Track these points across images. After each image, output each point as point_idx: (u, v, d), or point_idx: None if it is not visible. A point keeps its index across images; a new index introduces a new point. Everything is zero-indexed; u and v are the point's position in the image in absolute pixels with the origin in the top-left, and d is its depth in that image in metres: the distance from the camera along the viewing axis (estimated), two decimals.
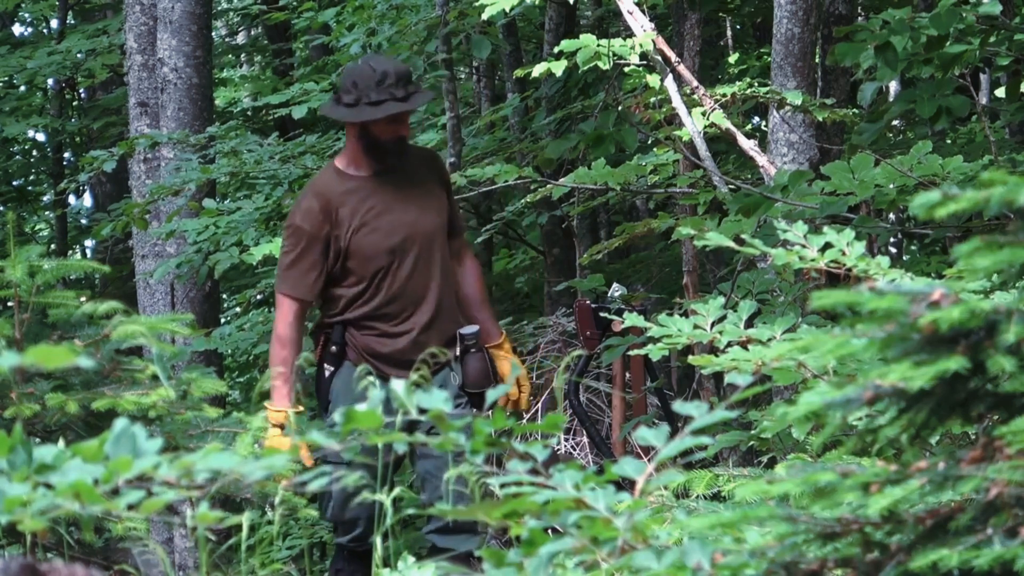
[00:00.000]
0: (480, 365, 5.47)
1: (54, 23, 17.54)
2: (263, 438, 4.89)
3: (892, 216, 9.87)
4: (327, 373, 5.47)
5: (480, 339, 5.47)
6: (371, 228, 5.37)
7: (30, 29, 18.44)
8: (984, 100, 10.54)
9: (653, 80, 7.50)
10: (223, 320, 12.61)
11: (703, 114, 7.20)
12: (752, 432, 4.47)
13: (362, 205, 5.36)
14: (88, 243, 18.93)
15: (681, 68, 7.29)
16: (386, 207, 5.38)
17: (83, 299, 4.66)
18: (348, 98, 5.30)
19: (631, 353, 6.35)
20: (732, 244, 3.87)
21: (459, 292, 5.56)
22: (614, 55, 6.90)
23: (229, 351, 10.81)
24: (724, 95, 7.25)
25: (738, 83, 7.52)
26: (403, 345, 5.38)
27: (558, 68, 6.97)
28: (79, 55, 14.07)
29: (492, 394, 2.33)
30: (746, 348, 3.88)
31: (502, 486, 2.27)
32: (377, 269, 5.38)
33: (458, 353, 5.48)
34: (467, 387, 5.47)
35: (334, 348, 5.46)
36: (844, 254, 3.71)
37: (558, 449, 8.24)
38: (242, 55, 18.53)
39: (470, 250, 5.78)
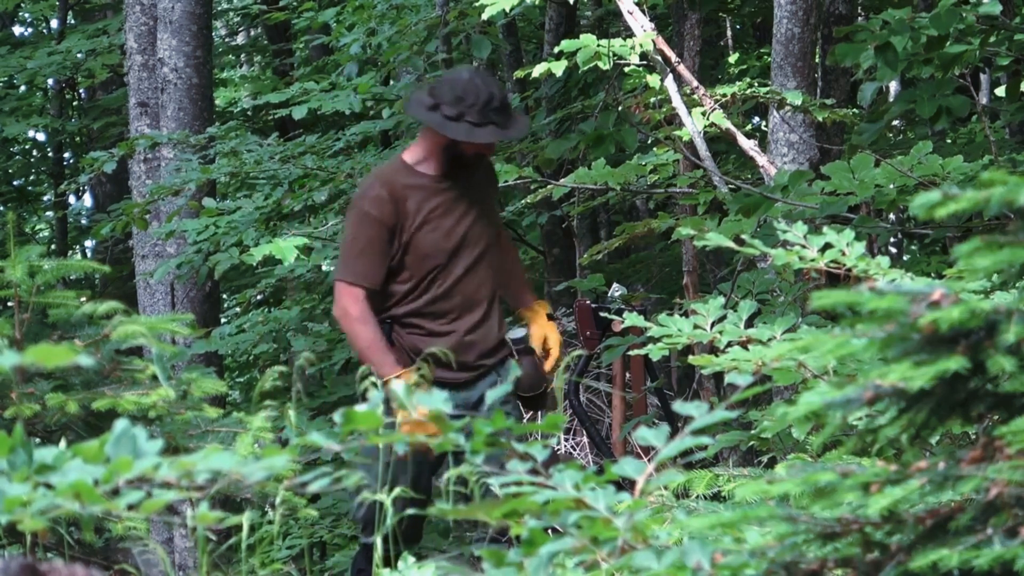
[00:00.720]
0: (530, 369, 5.48)
1: (54, 23, 17.55)
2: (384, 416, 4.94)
3: (892, 216, 9.87)
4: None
5: (528, 342, 5.49)
6: (432, 227, 5.39)
7: (30, 29, 18.44)
8: (984, 100, 10.53)
9: (653, 80, 7.50)
10: (223, 320, 12.61)
11: (703, 114, 7.20)
12: (752, 432, 4.47)
13: (427, 203, 5.39)
14: (88, 243, 18.93)
15: (681, 68, 7.29)
16: (448, 209, 5.41)
17: (83, 299, 4.66)
18: (449, 111, 5.30)
19: (631, 353, 6.35)
20: (732, 244, 3.87)
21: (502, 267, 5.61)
22: (614, 55, 6.90)
23: (229, 351, 10.81)
24: (724, 95, 7.25)
25: (738, 83, 7.53)
26: (447, 345, 5.38)
27: (558, 68, 6.97)
28: (79, 55, 14.08)
29: (491, 395, 2.33)
30: (746, 348, 3.88)
31: (502, 486, 2.27)
32: (431, 268, 5.39)
33: (508, 357, 5.52)
34: (518, 391, 5.48)
35: None
36: (844, 254, 3.71)
37: (558, 449, 8.24)
38: (242, 55, 18.54)
39: (506, 233, 5.83)
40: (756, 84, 7.48)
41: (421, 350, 5.38)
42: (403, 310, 5.43)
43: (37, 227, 19.48)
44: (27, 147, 18.34)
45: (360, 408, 2.20)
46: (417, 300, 5.42)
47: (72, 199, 18.08)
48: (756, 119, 12.11)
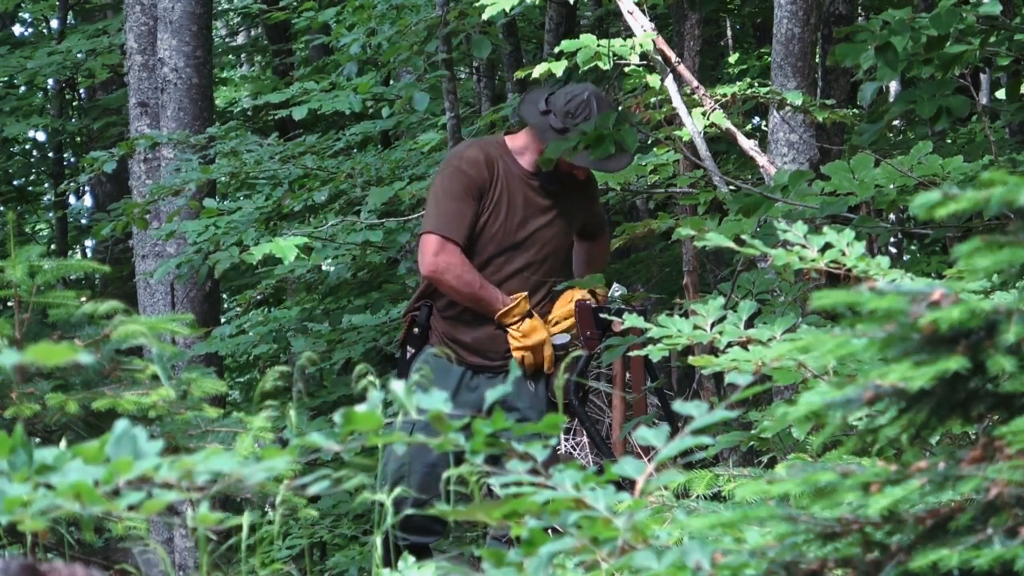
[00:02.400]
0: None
1: (54, 23, 17.54)
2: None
3: (892, 216, 9.87)
4: (408, 355, 5.46)
5: (567, 347, 5.51)
6: (504, 216, 5.40)
7: (30, 29, 18.44)
8: (984, 100, 10.54)
9: (653, 80, 7.50)
10: (223, 320, 12.61)
11: (703, 114, 7.20)
12: (752, 432, 4.47)
13: (508, 190, 5.40)
14: (88, 243, 18.92)
15: (681, 68, 7.29)
16: (526, 206, 5.42)
17: (83, 299, 4.66)
18: (556, 122, 5.34)
19: (631, 353, 6.35)
20: (732, 244, 3.87)
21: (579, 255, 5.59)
22: (614, 55, 6.90)
23: (229, 352, 10.82)
24: (724, 95, 7.25)
25: (738, 83, 7.52)
26: (481, 336, 5.40)
27: (558, 68, 6.97)
28: (79, 55, 14.08)
29: (491, 395, 2.32)
30: (746, 348, 3.88)
31: (502, 486, 2.27)
32: (488, 257, 5.40)
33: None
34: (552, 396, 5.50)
35: (417, 330, 5.46)
36: (844, 254, 3.71)
37: (558, 449, 8.24)
38: (242, 55, 18.53)
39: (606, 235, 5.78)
40: (756, 84, 7.48)
41: (455, 336, 5.39)
42: (444, 298, 5.42)
43: (37, 227, 19.48)
44: (27, 147, 18.33)
45: (360, 408, 2.20)
46: None
47: (72, 199, 18.08)
48: (756, 119, 12.11)
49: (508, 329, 5.31)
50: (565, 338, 5.51)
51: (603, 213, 5.92)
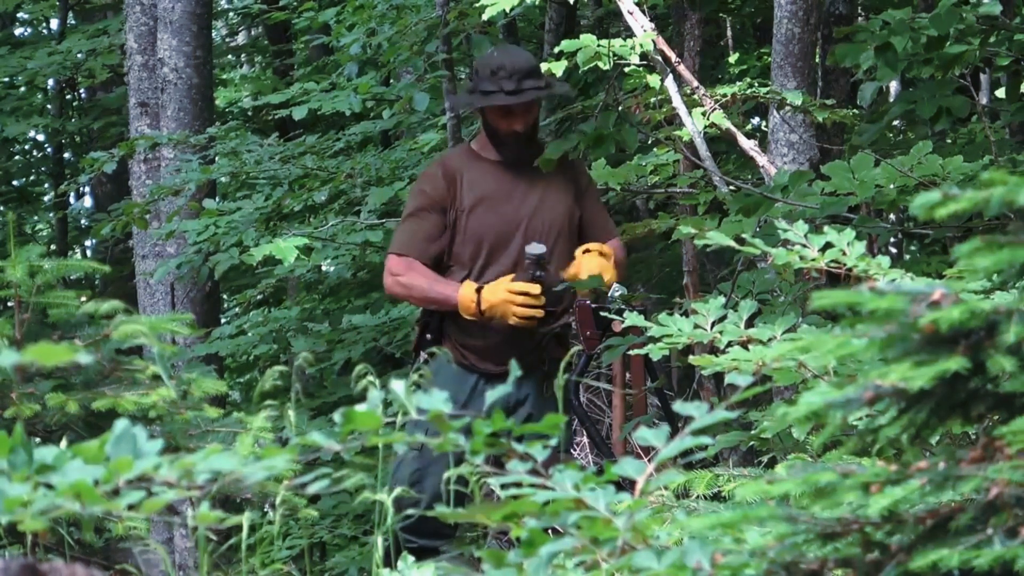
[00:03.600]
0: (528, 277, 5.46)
1: (54, 23, 17.54)
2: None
3: (892, 216, 9.87)
4: (421, 360, 5.47)
5: (542, 258, 5.44)
6: (486, 209, 5.41)
7: (30, 29, 18.44)
8: (984, 100, 10.53)
9: (653, 80, 7.49)
10: (223, 320, 12.61)
11: (703, 114, 7.19)
12: (752, 432, 4.47)
13: (483, 186, 5.42)
14: (88, 243, 18.93)
15: (681, 68, 7.29)
16: (506, 195, 5.43)
17: (83, 299, 4.66)
18: (470, 85, 5.47)
19: (631, 353, 6.35)
20: (732, 244, 3.87)
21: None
22: (614, 55, 6.89)
23: (229, 352, 10.82)
24: (724, 95, 7.25)
25: (738, 83, 7.52)
26: (492, 341, 5.39)
27: (558, 68, 6.97)
28: (79, 55, 14.08)
29: (491, 396, 2.32)
30: (746, 348, 3.88)
31: (503, 487, 2.27)
32: (484, 254, 5.40)
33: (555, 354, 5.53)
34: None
35: (429, 336, 5.47)
36: (844, 254, 3.71)
37: (559, 449, 8.24)
38: (242, 55, 18.53)
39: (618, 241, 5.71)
40: (756, 84, 7.48)
41: (467, 342, 5.38)
42: None
43: (37, 227, 19.48)
44: (27, 147, 18.34)
45: (360, 408, 2.20)
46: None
47: (72, 199, 18.08)
48: (756, 119, 12.11)
49: (482, 314, 5.30)
50: (540, 248, 5.44)
51: (606, 213, 5.88)
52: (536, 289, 5.33)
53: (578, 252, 5.50)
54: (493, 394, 2.32)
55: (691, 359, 4.15)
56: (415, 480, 5.29)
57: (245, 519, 3.14)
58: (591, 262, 5.44)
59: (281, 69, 15.16)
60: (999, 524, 2.17)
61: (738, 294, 5.40)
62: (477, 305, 5.29)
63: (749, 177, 8.30)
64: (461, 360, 5.33)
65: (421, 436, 2.28)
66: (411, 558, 3.33)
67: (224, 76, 17.91)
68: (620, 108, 7.13)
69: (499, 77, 5.37)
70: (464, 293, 5.29)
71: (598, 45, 6.89)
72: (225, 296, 15.06)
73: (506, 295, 5.30)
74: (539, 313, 5.35)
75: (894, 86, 11.97)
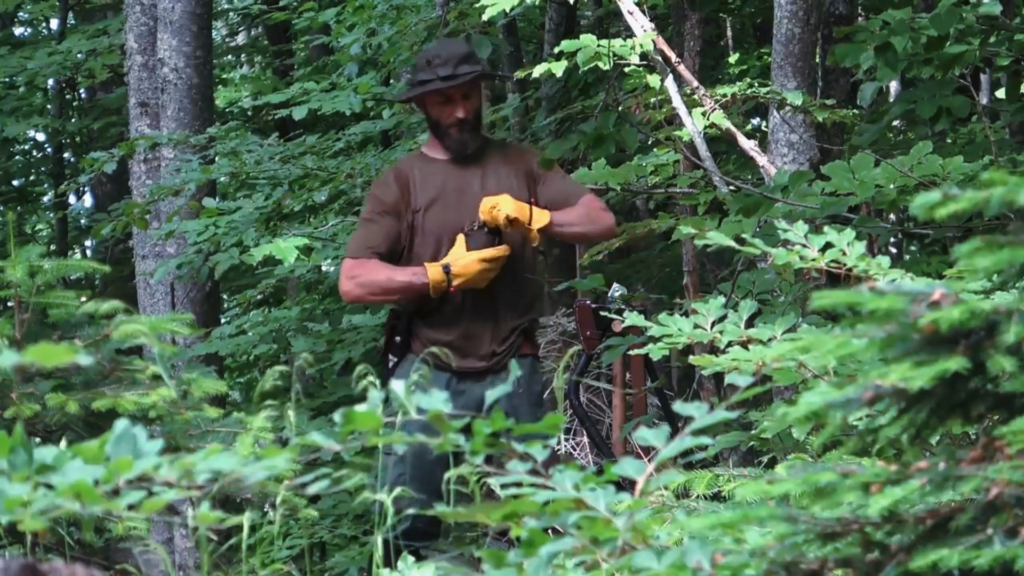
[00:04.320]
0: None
1: (54, 23, 17.55)
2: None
3: (892, 216, 9.87)
4: (390, 364, 5.48)
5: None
6: (441, 208, 5.44)
7: (30, 29, 18.44)
8: (984, 100, 10.53)
9: (653, 80, 7.50)
10: (223, 320, 12.61)
11: (703, 114, 7.19)
12: (752, 432, 4.47)
13: (435, 185, 5.45)
14: (88, 243, 18.93)
15: (681, 68, 7.29)
16: (458, 191, 5.45)
17: (83, 299, 4.65)
18: (411, 79, 5.52)
19: (631, 353, 6.35)
20: (732, 244, 3.87)
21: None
22: (614, 55, 6.89)
23: (229, 352, 10.82)
24: (724, 95, 7.25)
25: (738, 83, 7.52)
26: (462, 334, 5.40)
27: (558, 68, 6.97)
28: (79, 55, 14.08)
29: (491, 395, 2.32)
30: (746, 348, 3.88)
31: (503, 487, 2.27)
32: (444, 251, 5.41)
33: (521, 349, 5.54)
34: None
35: (399, 338, 5.47)
36: (844, 254, 3.71)
37: (558, 449, 8.24)
38: (242, 55, 18.53)
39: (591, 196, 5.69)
40: (756, 84, 7.48)
41: (438, 339, 5.38)
42: (417, 301, 5.43)
43: (37, 227, 19.49)
44: (27, 147, 18.34)
45: (360, 408, 2.20)
46: None
47: (72, 199, 18.09)
48: (756, 119, 12.11)
49: (453, 288, 5.32)
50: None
51: (572, 183, 5.86)
52: (506, 250, 5.37)
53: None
54: (493, 394, 2.32)
55: (691, 359, 4.15)
56: (397, 485, 5.28)
57: (245, 519, 3.14)
58: (498, 198, 5.41)
59: (281, 69, 15.16)
60: (999, 524, 2.17)
61: (738, 294, 5.40)
62: (447, 280, 5.32)
63: (749, 177, 8.30)
64: (434, 359, 5.32)
65: (409, 437, 2.28)
66: (411, 558, 3.33)
67: (224, 76, 17.92)
68: (620, 108, 7.13)
69: (434, 66, 5.41)
70: (433, 271, 5.32)
71: (598, 45, 6.89)
72: (225, 296, 15.06)
73: (480, 264, 5.33)
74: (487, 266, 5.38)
75: (894, 86, 11.97)
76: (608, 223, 5.59)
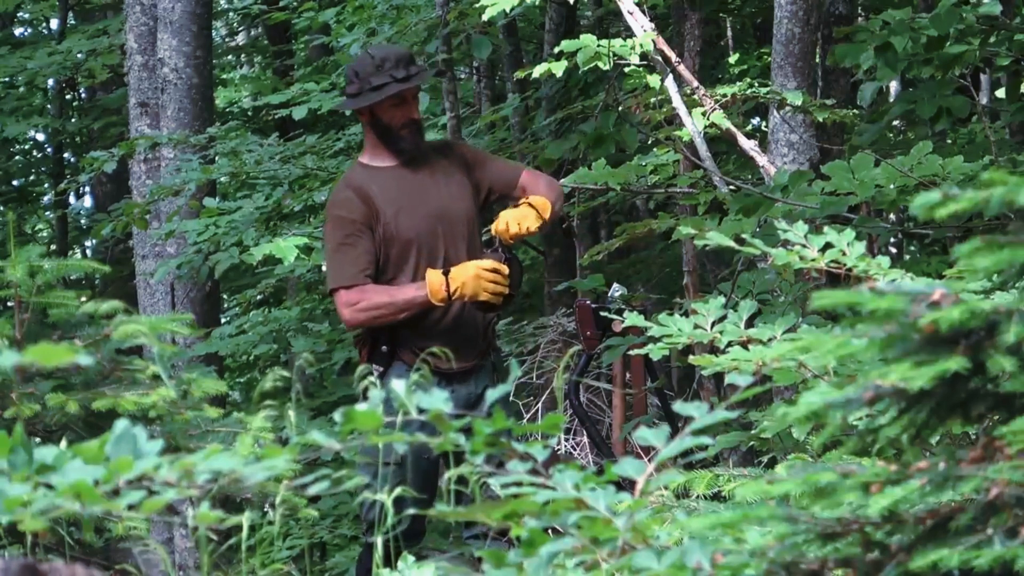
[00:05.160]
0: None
1: (54, 23, 17.54)
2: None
3: (892, 216, 9.87)
4: (376, 374, 5.42)
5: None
6: (407, 213, 5.41)
7: (30, 29, 18.44)
8: (984, 100, 10.53)
9: (653, 80, 7.49)
10: (223, 320, 12.61)
11: (703, 114, 7.20)
12: (752, 432, 4.47)
13: (392, 192, 5.41)
14: (88, 243, 18.93)
15: (681, 68, 7.29)
16: (417, 195, 5.43)
17: (83, 299, 4.65)
18: (352, 88, 5.41)
19: (631, 353, 6.35)
20: (732, 244, 3.87)
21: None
22: (614, 55, 6.89)
23: (229, 352, 10.82)
24: (724, 95, 7.25)
25: (738, 83, 7.52)
26: (448, 339, 5.38)
27: (558, 68, 6.97)
28: (79, 55, 14.08)
29: (492, 395, 2.32)
30: (746, 348, 3.88)
31: (503, 486, 2.27)
32: (416, 256, 5.39)
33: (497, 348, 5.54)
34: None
35: (384, 348, 5.43)
36: (844, 254, 3.71)
37: (558, 449, 8.24)
38: (242, 56, 18.53)
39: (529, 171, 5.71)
40: (756, 84, 7.48)
41: (423, 346, 5.36)
42: None
43: (37, 227, 19.49)
44: (27, 147, 18.34)
45: (360, 407, 2.20)
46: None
47: (72, 199, 18.09)
48: (756, 119, 12.11)
49: (453, 299, 5.31)
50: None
51: (503, 160, 5.89)
52: (506, 269, 5.36)
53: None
54: (493, 394, 2.32)
55: (691, 359, 4.15)
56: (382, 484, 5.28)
57: (245, 519, 3.14)
58: (510, 213, 5.44)
59: (281, 69, 15.16)
60: (999, 524, 2.17)
61: (738, 294, 5.40)
62: (447, 288, 5.29)
63: (749, 177, 8.31)
64: (423, 362, 5.30)
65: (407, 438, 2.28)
66: (411, 558, 3.33)
67: (224, 76, 17.92)
68: (620, 108, 7.14)
69: (386, 69, 5.37)
70: (432, 280, 5.29)
71: (598, 45, 6.90)
72: (225, 296, 15.06)
73: (477, 271, 5.31)
74: (506, 290, 5.36)
75: (894, 86, 11.97)
76: (560, 187, 5.70)
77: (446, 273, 5.32)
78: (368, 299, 5.32)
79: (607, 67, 6.92)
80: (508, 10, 7.04)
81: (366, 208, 5.38)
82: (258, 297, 12.03)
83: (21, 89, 15.80)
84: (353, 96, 5.41)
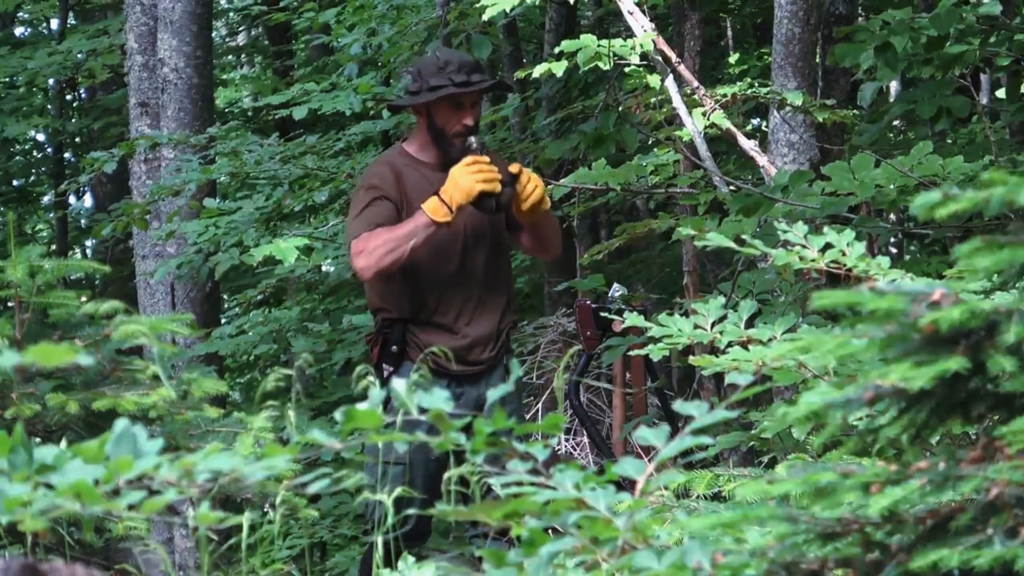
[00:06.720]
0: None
1: (54, 23, 17.55)
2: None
3: (892, 216, 9.88)
4: (386, 374, 5.42)
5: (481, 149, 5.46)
6: None
7: (30, 29, 18.44)
8: (984, 100, 10.54)
9: (653, 80, 7.50)
10: (223, 320, 12.61)
11: (703, 114, 7.19)
12: (752, 432, 4.47)
13: (421, 188, 5.41)
14: (88, 243, 18.93)
15: (681, 68, 7.29)
16: None
17: (83, 299, 4.65)
18: (413, 87, 5.45)
19: (631, 353, 6.36)
20: (732, 244, 3.87)
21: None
22: (614, 55, 6.89)
23: (229, 352, 10.82)
24: (724, 95, 7.25)
25: (738, 83, 7.52)
26: (460, 340, 5.38)
27: (558, 68, 6.97)
28: (79, 55, 14.08)
29: (492, 395, 2.33)
30: (746, 348, 3.88)
31: (503, 486, 2.27)
32: (434, 259, 5.39)
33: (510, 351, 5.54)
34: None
35: (394, 348, 5.42)
36: (844, 254, 3.71)
37: (558, 449, 8.24)
38: (242, 56, 18.54)
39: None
40: (756, 84, 7.48)
41: (435, 345, 5.36)
42: (415, 309, 5.41)
43: (37, 227, 19.49)
44: (27, 147, 18.35)
45: (361, 407, 2.20)
46: (427, 297, 5.40)
47: (72, 199, 18.09)
48: (756, 119, 12.11)
49: (453, 211, 5.28)
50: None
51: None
52: (485, 158, 5.36)
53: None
54: (494, 394, 2.32)
55: (691, 359, 4.15)
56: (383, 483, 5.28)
57: (245, 519, 3.14)
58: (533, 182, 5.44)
59: (281, 69, 15.16)
60: (999, 524, 2.17)
61: (738, 294, 5.40)
62: (445, 203, 5.28)
63: (749, 177, 8.30)
64: (430, 365, 5.29)
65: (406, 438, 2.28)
66: (411, 558, 3.33)
67: (224, 76, 17.92)
68: (620, 108, 7.14)
69: (447, 72, 5.39)
70: (428, 203, 5.28)
71: (598, 45, 6.89)
72: (225, 296, 15.07)
73: (460, 171, 5.31)
74: (497, 175, 5.34)
75: (894, 86, 11.97)
76: (559, 229, 5.78)
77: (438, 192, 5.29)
78: (374, 241, 5.30)
79: (607, 67, 6.92)
80: (508, 10, 7.04)
81: (396, 185, 5.41)
82: (258, 297, 12.03)
83: (21, 89, 15.81)
84: (413, 94, 5.46)
